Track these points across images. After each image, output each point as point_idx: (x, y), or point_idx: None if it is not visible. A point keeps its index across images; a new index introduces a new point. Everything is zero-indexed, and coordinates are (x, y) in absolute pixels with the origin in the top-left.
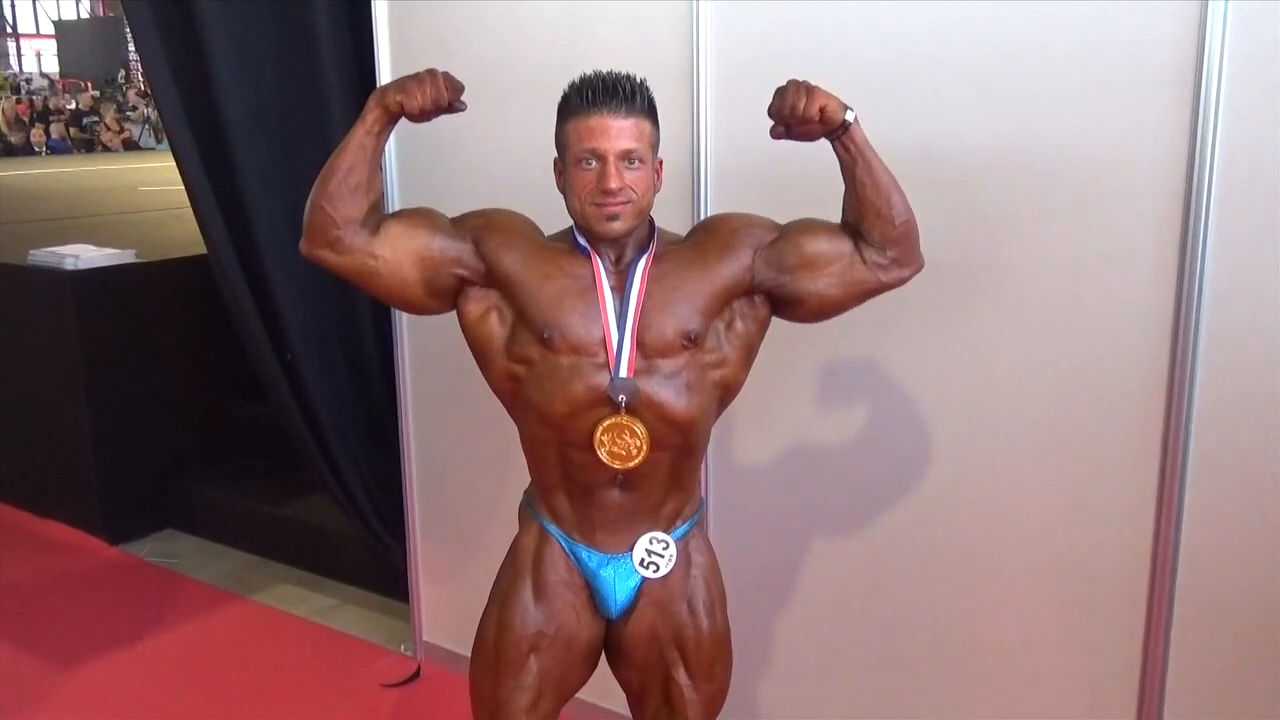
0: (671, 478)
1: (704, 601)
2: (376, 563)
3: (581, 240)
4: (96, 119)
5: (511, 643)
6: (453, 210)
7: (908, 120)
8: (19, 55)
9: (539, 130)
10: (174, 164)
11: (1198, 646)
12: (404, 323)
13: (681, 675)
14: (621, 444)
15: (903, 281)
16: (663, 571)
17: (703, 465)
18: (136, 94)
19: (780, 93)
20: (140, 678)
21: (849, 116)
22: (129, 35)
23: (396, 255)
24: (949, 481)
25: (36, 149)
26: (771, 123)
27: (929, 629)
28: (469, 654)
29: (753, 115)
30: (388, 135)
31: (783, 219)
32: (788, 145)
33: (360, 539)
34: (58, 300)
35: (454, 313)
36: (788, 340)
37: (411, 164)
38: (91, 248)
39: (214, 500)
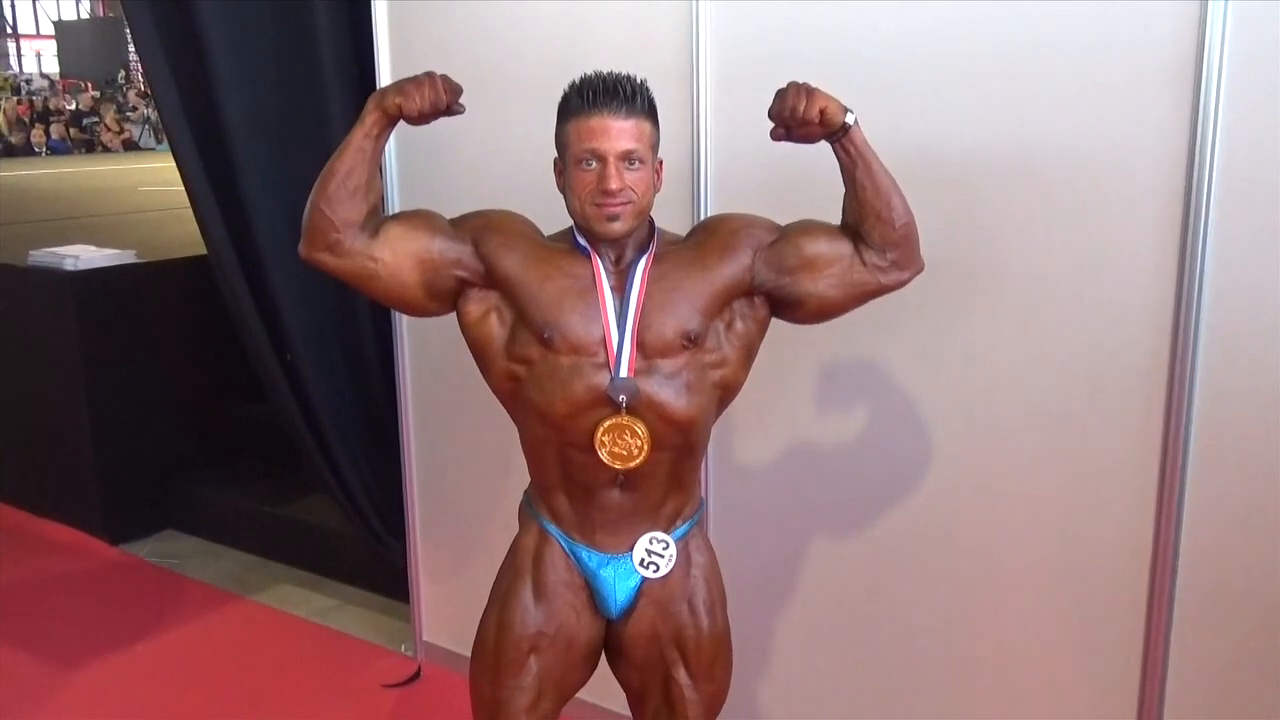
0: (671, 478)
1: (704, 601)
2: (377, 563)
3: (581, 240)
4: (96, 119)
5: (511, 643)
6: (452, 211)
7: (907, 120)
8: (19, 56)
9: (539, 130)
10: (174, 164)
11: (1198, 646)
12: (404, 323)
13: (682, 675)
14: (623, 444)
15: (903, 284)
16: (663, 571)
17: (703, 465)
18: (137, 94)
19: (780, 95)
20: (140, 678)
21: (849, 119)
22: (129, 36)
23: (396, 258)
24: (949, 481)
25: (37, 149)
26: (772, 124)
27: (929, 629)
28: (469, 654)
29: (753, 115)
30: (387, 138)
31: (783, 220)
32: (788, 146)
33: (360, 539)
34: (58, 300)
35: (454, 314)
36: (788, 340)
37: (411, 165)
38: (92, 248)
39: (214, 500)
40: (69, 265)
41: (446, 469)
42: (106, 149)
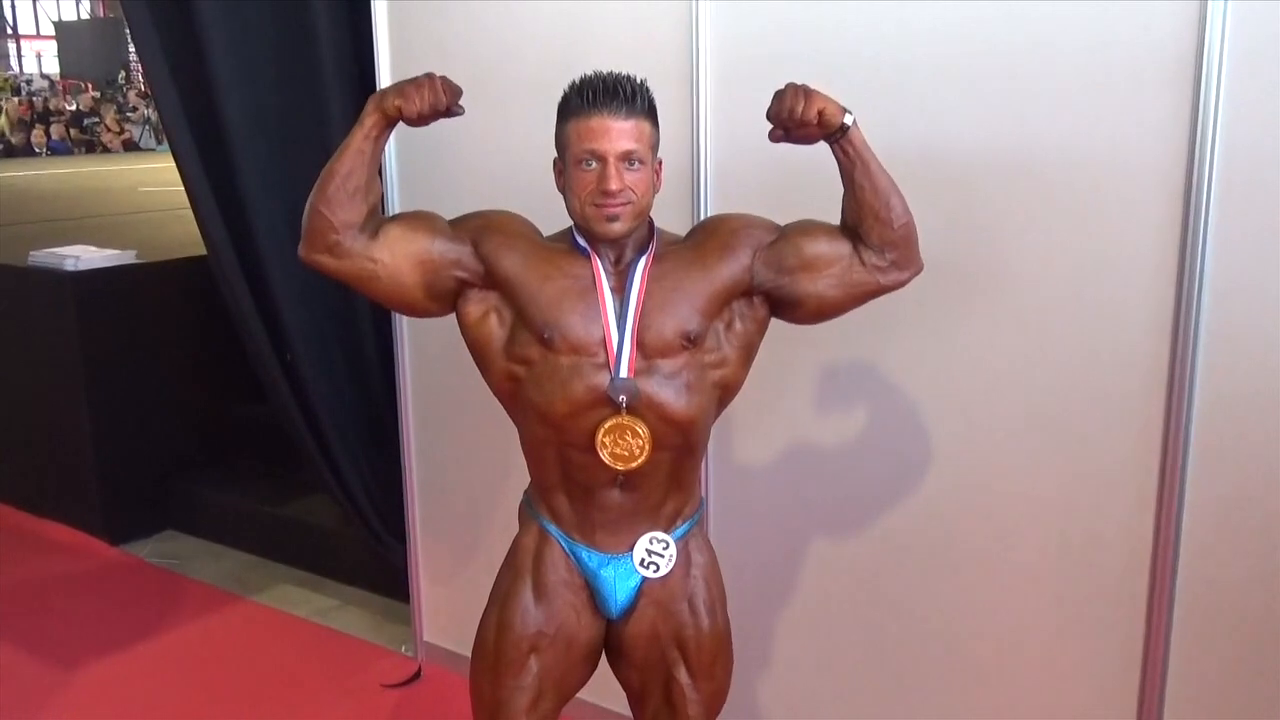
0: (671, 478)
1: (704, 601)
2: (377, 563)
3: (581, 241)
4: (97, 120)
5: (511, 643)
6: (452, 211)
7: (907, 120)
8: (19, 56)
9: (539, 130)
10: (174, 165)
11: (1198, 646)
12: (404, 323)
13: (682, 675)
14: (624, 445)
15: (902, 284)
16: (663, 571)
17: (702, 465)
18: (137, 95)
19: (779, 96)
20: (141, 678)
21: (847, 120)
22: (129, 36)
23: (395, 259)
24: (949, 481)
25: (38, 150)
26: (770, 125)
27: (930, 628)
28: (469, 654)
29: (753, 116)
30: (386, 139)
31: (783, 220)
32: (788, 146)
33: (360, 539)
34: (58, 301)
35: (453, 314)
36: (788, 340)
37: (411, 165)
38: (92, 248)
39: (214, 500)
40: (69, 265)
41: (446, 469)
42: (107, 149)
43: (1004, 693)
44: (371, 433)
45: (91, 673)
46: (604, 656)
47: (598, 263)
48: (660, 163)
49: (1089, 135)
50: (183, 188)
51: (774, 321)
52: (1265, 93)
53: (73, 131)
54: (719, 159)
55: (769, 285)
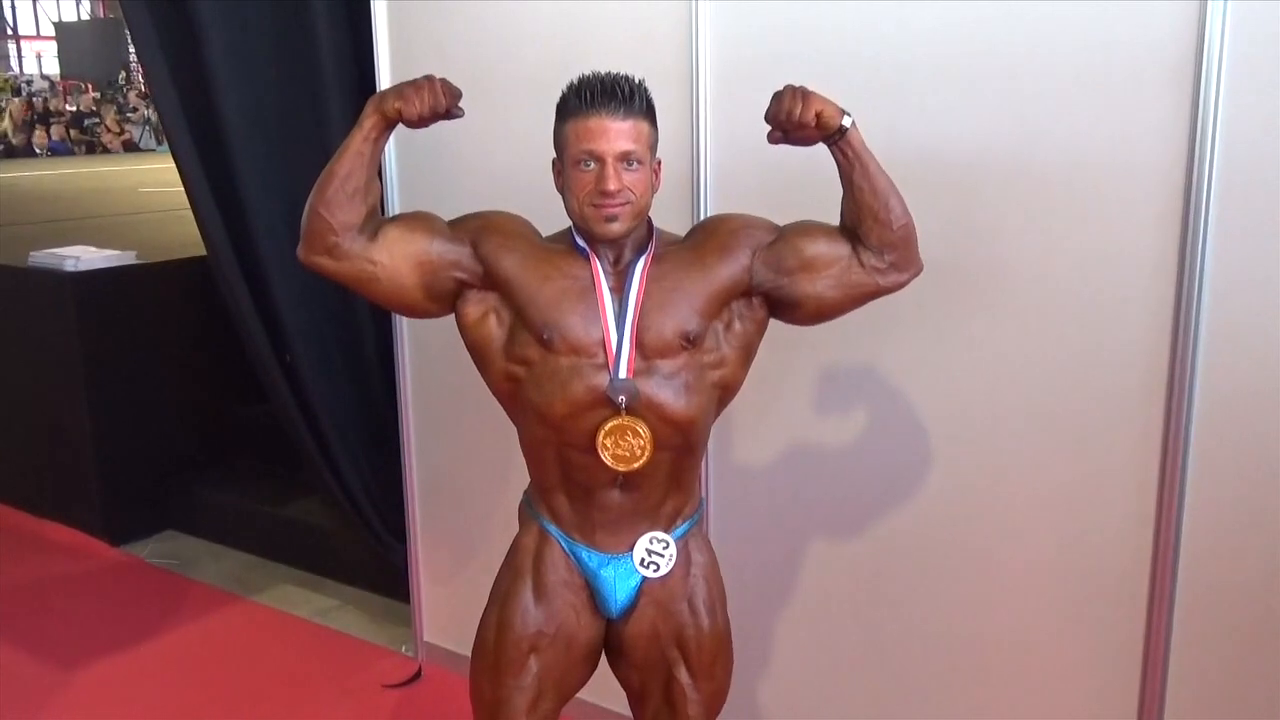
0: (671, 478)
1: (704, 600)
2: (377, 563)
3: (580, 241)
4: (97, 121)
5: (511, 643)
6: (452, 211)
7: (907, 120)
8: (19, 57)
9: (538, 130)
10: (174, 165)
11: (1198, 646)
12: (404, 323)
13: (683, 674)
14: (625, 445)
15: (901, 285)
16: (663, 571)
17: (702, 465)
18: (137, 95)
19: (777, 98)
20: (141, 678)
21: (846, 121)
22: (129, 37)
23: (394, 260)
24: (949, 481)
25: (38, 151)
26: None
27: (929, 628)
28: (470, 654)
29: (752, 116)
30: (385, 141)
31: (782, 220)
32: (787, 146)
33: (360, 539)
34: (58, 301)
35: (453, 315)
36: (788, 340)
37: (411, 165)
38: (92, 249)
39: (214, 501)
40: (69, 266)
41: (446, 469)
42: (107, 150)
43: (1004, 693)
44: (371, 433)
45: (91, 673)
46: (604, 656)
47: (597, 263)
48: (659, 163)
49: (1089, 135)
50: (182, 188)
51: (773, 322)
52: (1265, 93)
53: (73, 132)
54: (719, 159)
55: (768, 286)
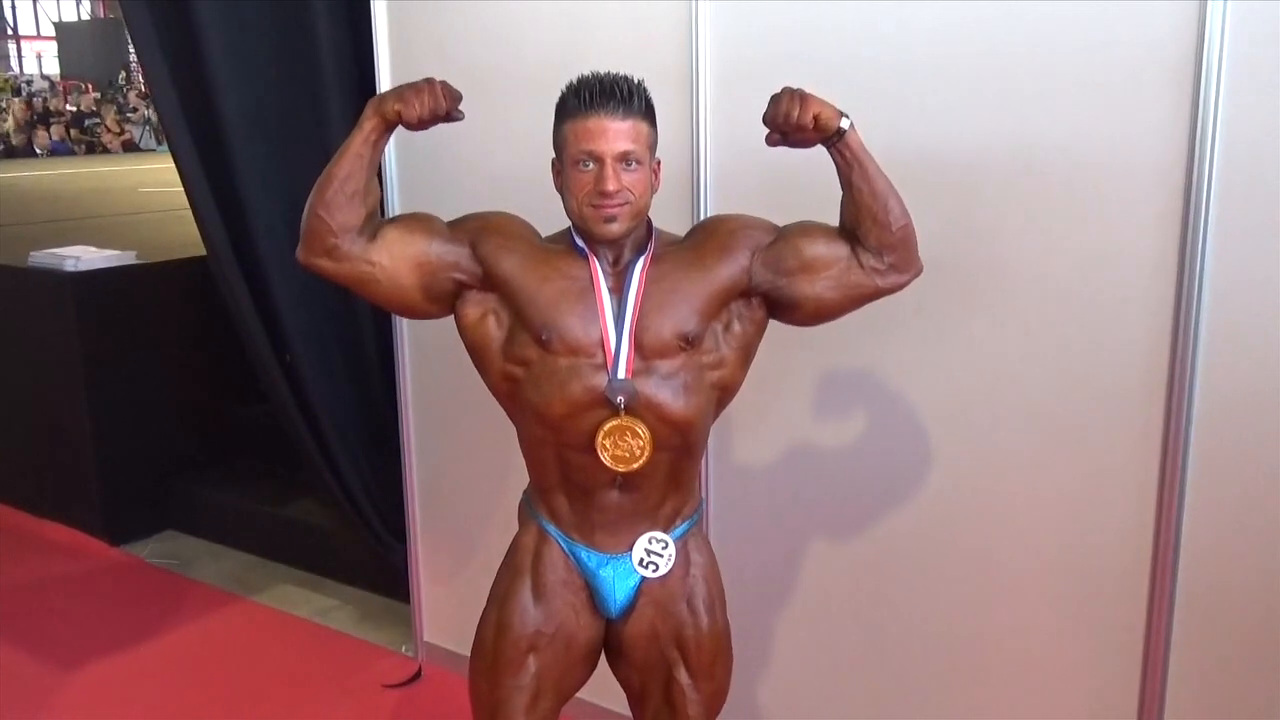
0: (670, 478)
1: (704, 600)
2: (377, 563)
3: (579, 241)
4: (97, 121)
5: (510, 642)
6: (451, 211)
7: (907, 120)
8: (19, 57)
9: (538, 131)
10: (174, 165)
11: (1198, 646)
12: (404, 323)
13: (682, 674)
14: (624, 446)
15: (901, 286)
16: (662, 571)
17: (702, 465)
18: (137, 95)
19: (774, 100)
20: (141, 678)
21: (844, 124)
22: (129, 37)
23: (394, 261)
24: (949, 481)
25: (39, 151)
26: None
27: (929, 628)
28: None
29: (752, 116)
30: (385, 143)
31: (782, 220)
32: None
33: (360, 539)
34: (58, 301)
35: (453, 315)
36: (788, 340)
37: (411, 166)
38: (92, 249)
39: (214, 501)
40: (69, 266)
41: (446, 469)
42: (107, 150)
43: (1004, 693)
44: (371, 433)
45: (91, 673)
46: (604, 656)
47: (596, 263)
48: (659, 163)
49: (1089, 135)
50: (182, 188)
51: (773, 322)
52: (1265, 92)
53: (73, 132)
54: (719, 160)
55: (767, 286)
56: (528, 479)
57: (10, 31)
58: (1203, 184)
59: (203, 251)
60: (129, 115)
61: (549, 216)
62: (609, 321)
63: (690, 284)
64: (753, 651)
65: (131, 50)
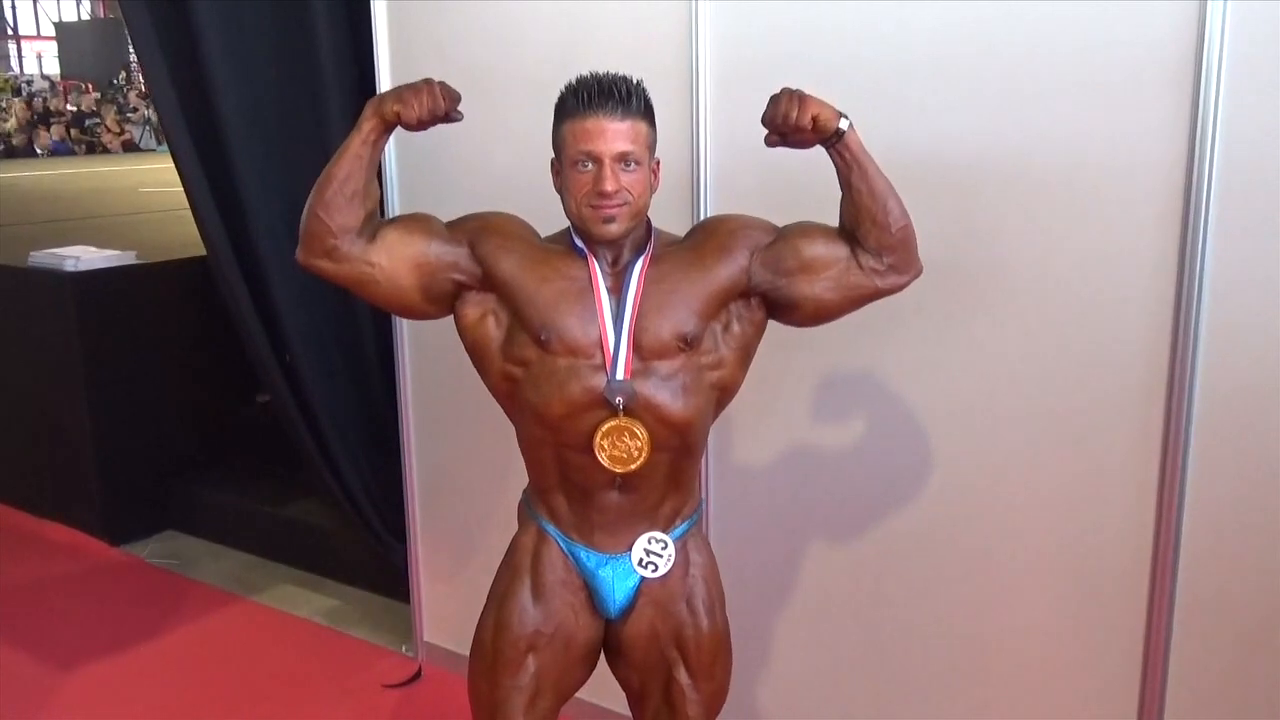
0: (669, 479)
1: (703, 600)
2: (377, 563)
3: (578, 242)
4: (98, 121)
5: (509, 642)
6: (451, 211)
7: (907, 120)
8: (20, 57)
9: (538, 131)
10: (174, 165)
11: (1198, 646)
12: (404, 323)
13: (682, 675)
14: (622, 447)
15: (900, 287)
16: (661, 571)
17: (701, 465)
18: (137, 95)
19: (773, 101)
20: (141, 678)
21: (843, 124)
22: (129, 37)
23: (393, 262)
24: (949, 481)
25: (39, 151)
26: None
27: (929, 628)
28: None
29: (752, 117)
30: (384, 144)
31: (782, 221)
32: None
33: (360, 539)
34: (58, 301)
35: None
36: (788, 341)
37: (410, 166)
38: (92, 249)
39: (214, 501)
40: (69, 266)
41: (446, 469)
42: (107, 150)
43: (1004, 692)
44: (371, 433)
45: (91, 673)
46: (603, 656)
47: (595, 264)
48: (658, 163)
49: (1089, 135)
50: (182, 188)
51: (773, 322)
52: (1265, 93)
53: (73, 132)
54: (718, 160)
55: (766, 287)
56: (527, 479)
57: (10, 31)
58: (1203, 184)
59: (203, 251)
60: (129, 115)
61: (549, 216)
62: (608, 322)
63: (689, 284)
64: (753, 651)
65: (131, 50)
